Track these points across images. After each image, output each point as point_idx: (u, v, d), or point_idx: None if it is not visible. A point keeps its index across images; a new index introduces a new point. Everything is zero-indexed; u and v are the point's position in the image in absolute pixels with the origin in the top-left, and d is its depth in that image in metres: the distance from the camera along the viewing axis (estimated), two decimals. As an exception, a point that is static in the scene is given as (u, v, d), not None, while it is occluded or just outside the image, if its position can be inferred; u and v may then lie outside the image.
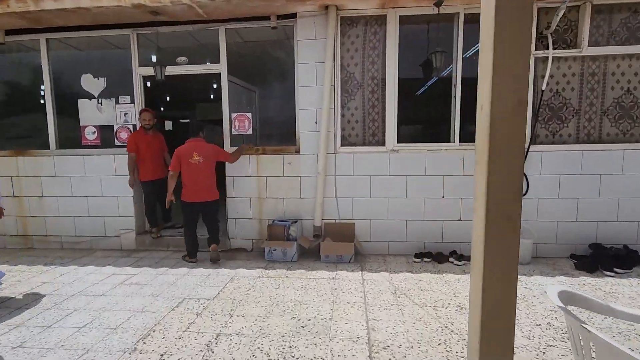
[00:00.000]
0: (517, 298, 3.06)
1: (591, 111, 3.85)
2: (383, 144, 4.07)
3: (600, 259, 3.62)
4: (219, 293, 3.14)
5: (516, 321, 2.55)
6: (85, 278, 3.55)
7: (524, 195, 3.91)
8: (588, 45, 3.70)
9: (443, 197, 4.03)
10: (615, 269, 3.43)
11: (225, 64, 4.26)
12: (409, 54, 3.99)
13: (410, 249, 4.12)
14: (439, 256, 3.88)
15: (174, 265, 3.92)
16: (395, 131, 4.02)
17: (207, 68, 4.34)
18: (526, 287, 3.15)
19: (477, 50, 4.09)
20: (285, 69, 4.28)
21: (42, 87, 4.57)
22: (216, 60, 4.28)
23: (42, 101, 4.60)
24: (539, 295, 2.99)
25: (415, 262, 3.89)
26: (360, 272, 3.61)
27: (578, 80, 3.83)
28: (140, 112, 4.37)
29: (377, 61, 4.01)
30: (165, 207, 4.55)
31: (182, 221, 4.05)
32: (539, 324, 2.54)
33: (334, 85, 4.02)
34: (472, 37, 3.89)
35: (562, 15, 3.56)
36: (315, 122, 4.09)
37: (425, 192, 4.04)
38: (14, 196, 4.61)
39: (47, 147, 4.62)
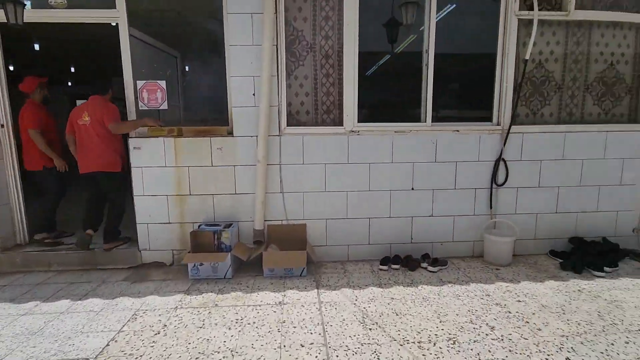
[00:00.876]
0: (515, 318, 2.47)
1: (574, 87, 3.36)
2: (341, 123, 3.22)
3: (584, 256, 3.18)
4: (108, 344, 2.09)
5: (528, 356, 1.90)
6: None
7: (502, 184, 3.34)
8: (575, 8, 3.16)
9: (412, 188, 3.32)
10: (605, 268, 3.00)
11: (125, 11, 3.05)
12: (373, 10, 3.15)
13: (375, 253, 3.38)
14: (409, 261, 3.18)
15: (51, 296, 2.74)
16: (355, 107, 3.19)
17: (96, 15, 3.09)
18: (520, 301, 2.55)
19: (451, 13, 3.42)
20: (212, 24, 3.20)
21: None
22: (111, 4, 3.06)
23: None
24: (538, 311, 2.40)
25: (382, 270, 3.15)
26: (316, 290, 2.78)
27: (562, 49, 3.30)
28: (39, 82, 3.45)
29: (331, 16, 3.11)
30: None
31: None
32: None
33: (277, 46, 3.05)
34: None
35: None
36: (253, 94, 3.10)
37: (392, 182, 3.29)
38: None
39: None
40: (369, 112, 3.29)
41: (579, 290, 2.68)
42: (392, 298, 2.61)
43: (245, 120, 3.13)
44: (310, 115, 3.23)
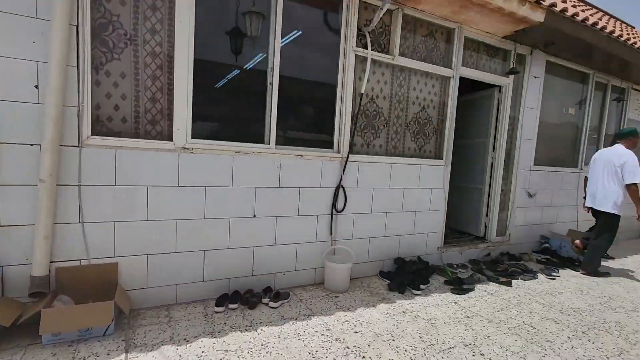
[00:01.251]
0: (353, 354, 2.37)
1: (398, 123, 3.78)
2: (170, 137, 2.66)
3: (405, 275, 3.54)
4: None
5: (366, 401, 1.79)
6: None
7: (341, 211, 3.41)
8: (399, 54, 3.59)
9: (254, 216, 3.02)
10: (421, 286, 3.37)
11: None
12: (213, 13, 2.77)
13: (212, 290, 2.89)
14: (249, 297, 2.83)
15: None
16: (189, 120, 2.70)
17: None
18: (357, 332, 2.53)
19: (299, 39, 3.38)
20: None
21: None
22: None
23: None
24: (373, 342, 2.40)
25: (217, 312, 2.68)
26: (124, 354, 2.09)
27: (389, 88, 3.68)
28: None
29: (160, 7, 2.57)
30: None
31: None
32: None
33: (79, 27, 2.29)
34: (295, 8, 3.10)
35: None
36: (36, 86, 2.22)
37: (232, 209, 2.91)
38: None
39: None
40: (207, 128, 2.86)
41: (403, 312, 2.88)
42: (227, 350, 2.19)
43: (20, 122, 2.20)
44: (128, 125, 2.55)
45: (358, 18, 3.33)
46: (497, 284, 3.73)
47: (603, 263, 4.63)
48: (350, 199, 3.44)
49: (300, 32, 3.21)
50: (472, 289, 3.51)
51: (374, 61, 3.49)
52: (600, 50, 4.52)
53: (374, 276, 3.69)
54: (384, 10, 3.14)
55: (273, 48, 2.99)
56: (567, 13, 3.89)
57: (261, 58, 3.04)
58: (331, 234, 3.38)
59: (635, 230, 7.00)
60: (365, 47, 3.39)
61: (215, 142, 2.82)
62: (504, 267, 4.17)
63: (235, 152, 2.87)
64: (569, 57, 5.03)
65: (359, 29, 3.36)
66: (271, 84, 3.02)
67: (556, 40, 4.37)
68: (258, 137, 3.04)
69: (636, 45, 4.76)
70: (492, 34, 4.17)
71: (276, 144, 3.07)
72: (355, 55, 3.35)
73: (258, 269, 3.07)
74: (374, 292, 3.28)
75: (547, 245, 5.16)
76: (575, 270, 4.40)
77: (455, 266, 4.14)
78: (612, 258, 5.12)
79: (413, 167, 3.84)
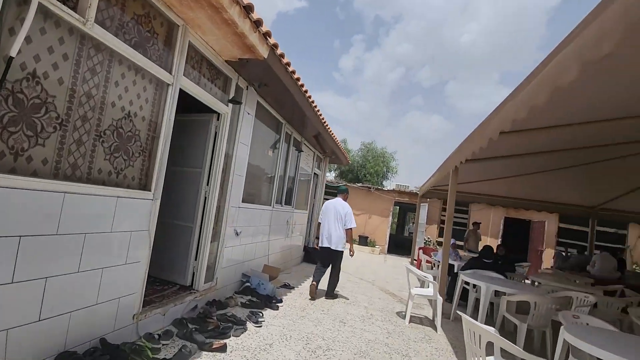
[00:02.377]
0: None
1: (84, 129, 2.36)
2: None
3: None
4: None
5: None
6: None
7: None
8: (94, 21, 2.27)
9: None
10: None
11: None
12: None
13: None
14: None
15: None
16: None
17: None
18: None
19: None
20: None
21: None
22: None
23: None
24: None
25: None
26: None
27: (71, 69, 2.23)
28: None
29: None
30: None
31: None
32: None
33: None
34: None
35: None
36: None
37: None
38: None
39: None
40: None
41: None
42: None
43: None
44: None
45: None
46: (211, 353, 2.97)
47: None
48: (-47, 263, 1.63)
49: None
50: (184, 373, 2.55)
51: (47, 13, 1.99)
52: (292, 99, 4.87)
53: (3, 408, 1.92)
54: None
55: None
56: (283, 59, 4.04)
57: None
58: None
59: (299, 257, 8.56)
60: (30, -20, 1.86)
61: None
62: (215, 324, 3.50)
63: None
64: (271, 103, 5.40)
65: (17, -58, 1.81)
66: None
67: (268, 82, 4.48)
68: None
69: (313, 104, 5.76)
70: (218, 53, 3.67)
71: None
72: (4, -18, 1.75)
73: None
74: None
75: (248, 284, 5.04)
76: (274, 310, 4.42)
77: (157, 336, 3.01)
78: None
79: (106, 200, 2.49)
